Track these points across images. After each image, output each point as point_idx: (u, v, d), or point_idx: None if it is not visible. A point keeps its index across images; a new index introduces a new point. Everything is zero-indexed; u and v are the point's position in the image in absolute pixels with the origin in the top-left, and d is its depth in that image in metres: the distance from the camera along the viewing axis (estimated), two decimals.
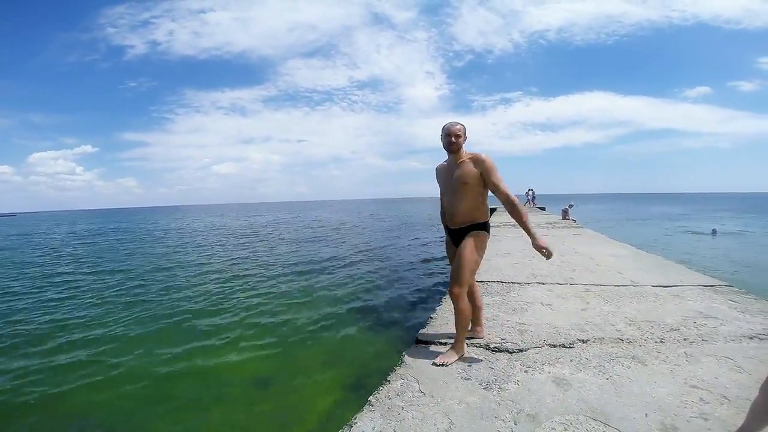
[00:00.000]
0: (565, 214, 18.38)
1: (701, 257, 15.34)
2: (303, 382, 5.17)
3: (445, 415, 2.28)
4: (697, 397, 2.34)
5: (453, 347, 3.10)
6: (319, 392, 4.84)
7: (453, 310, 3.15)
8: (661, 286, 5.19)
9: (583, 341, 3.33)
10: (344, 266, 13.83)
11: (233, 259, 16.18)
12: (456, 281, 3.01)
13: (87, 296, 10.36)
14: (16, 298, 10.50)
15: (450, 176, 3.19)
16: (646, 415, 2.17)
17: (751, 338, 3.32)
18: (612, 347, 3.19)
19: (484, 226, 3.15)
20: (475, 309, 3.40)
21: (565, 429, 2.07)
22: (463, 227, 3.14)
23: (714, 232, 24.22)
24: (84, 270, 14.73)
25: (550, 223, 15.53)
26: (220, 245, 21.87)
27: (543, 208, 30.22)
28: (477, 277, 5.29)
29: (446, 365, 2.94)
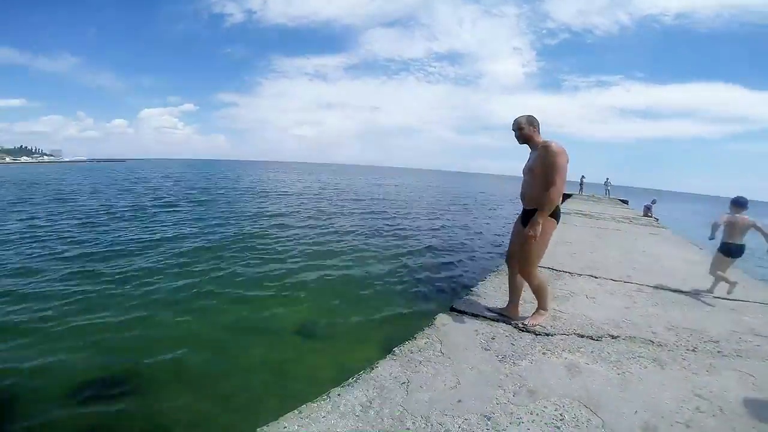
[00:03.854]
0: (647, 211, 17.16)
1: None
2: (345, 335, 5.56)
3: (455, 375, 2.48)
4: (694, 405, 2.33)
5: (537, 311, 3.46)
6: (357, 345, 5.23)
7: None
8: (722, 297, 4.88)
9: (613, 337, 3.32)
10: (404, 234, 14.16)
11: (305, 215, 16.92)
12: (524, 263, 3.25)
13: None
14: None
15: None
16: (635, 412, 2.22)
17: None
18: (639, 347, 3.16)
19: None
20: (515, 288, 3.50)
21: (555, 409, 2.20)
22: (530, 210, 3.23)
23: None
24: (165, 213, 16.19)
25: (628, 218, 14.62)
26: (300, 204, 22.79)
27: (626, 201, 28.20)
28: None
29: (535, 325, 3.35)
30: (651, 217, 16.62)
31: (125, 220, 14.00)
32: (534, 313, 3.46)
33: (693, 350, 3.19)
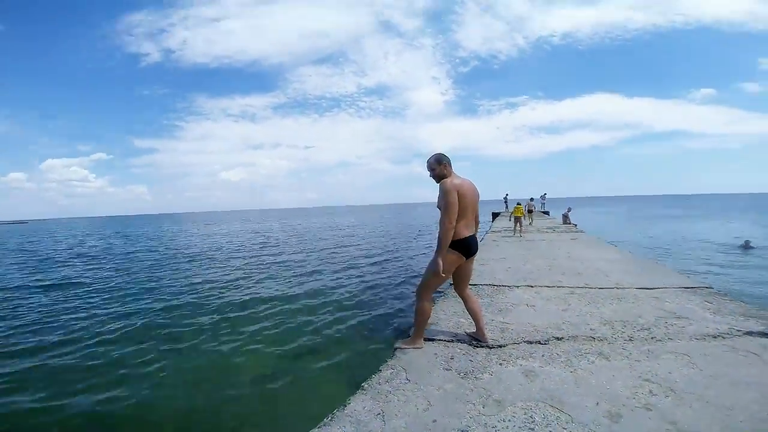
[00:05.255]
0: (565, 219, 18.44)
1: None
2: (307, 376, 5.44)
3: (425, 398, 2.52)
4: (647, 389, 2.53)
5: (411, 338, 3.53)
6: (323, 385, 5.11)
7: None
8: (643, 288, 5.33)
9: (558, 339, 3.52)
10: (351, 269, 14.22)
11: (246, 263, 16.45)
12: (420, 285, 3.45)
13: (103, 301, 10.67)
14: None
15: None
16: (597, 403, 2.37)
17: (714, 337, 3.47)
18: (583, 344, 3.38)
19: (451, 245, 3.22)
20: (473, 313, 3.53)
21: (525, 413, 2.29)
22: None
23: (747, 244, 17.23)
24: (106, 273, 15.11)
25: (551, 228, 15.63)
26: (234, 251, 22.18)
27: (547, 213, 30.14)
28: (470, 281, 5.49)
29: (400, 348, 3.45)
30: (570, 223, 17.84)
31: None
32: (408, 338, 3.57)
33: (630, 340, 3.46)
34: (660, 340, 3.42)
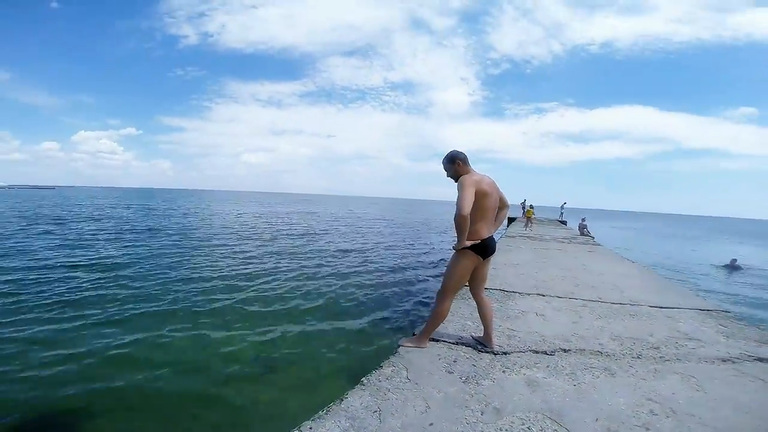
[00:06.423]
0: (582, 230, 18.20)
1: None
2: (306, 365, 5.50)
3: (424, 400, 2.51)
4: (648, 409, 2.49)
5: (417, 336, 3.51)
6: (322, 377, 5.17)
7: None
8: (657, 306, 5.24)
9: (565, 350, 3.49)
10: (359, 261, 14.26)
11: (258, 248, 16.60)
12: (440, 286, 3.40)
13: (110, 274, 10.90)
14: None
15: None
16: (596, 419, 2.34)
17: (724, 361, 3.40)
18: (590, 358, 3.33)
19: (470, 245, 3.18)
20: (484, 320, 3.48)
21: (522, 423, 2.27)
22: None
23: (733, 263, 17.86)
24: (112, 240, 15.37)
25: (567, 239, 15.43)
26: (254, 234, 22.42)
27: (564, 222, 29.84)
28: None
29: (403, 346, 3.41)
30: (587, 235, 17.59)
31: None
32: (413, 337, 3.55)
33: (638, 357, 3.41)
34: (668, 360, 3.37)
